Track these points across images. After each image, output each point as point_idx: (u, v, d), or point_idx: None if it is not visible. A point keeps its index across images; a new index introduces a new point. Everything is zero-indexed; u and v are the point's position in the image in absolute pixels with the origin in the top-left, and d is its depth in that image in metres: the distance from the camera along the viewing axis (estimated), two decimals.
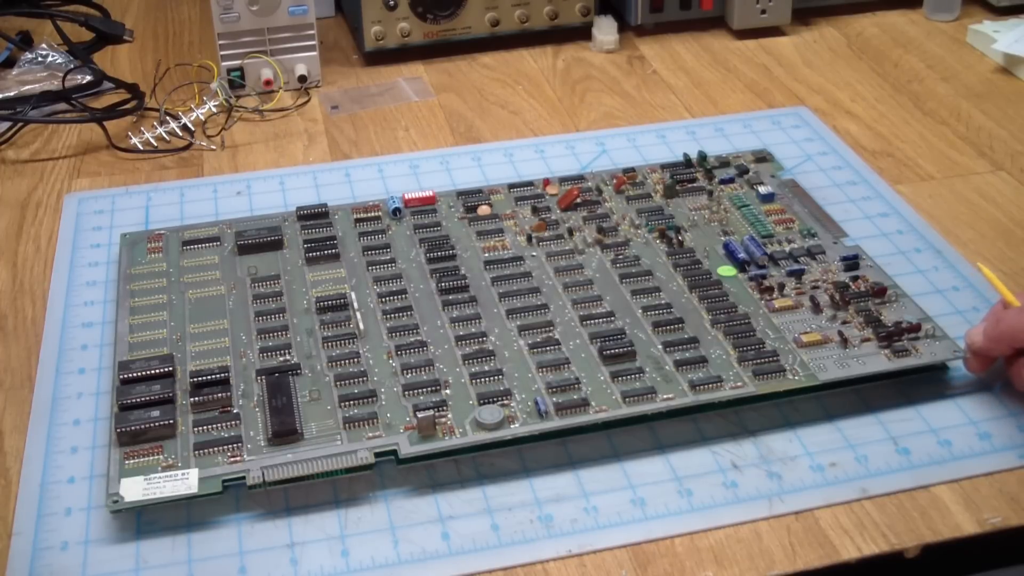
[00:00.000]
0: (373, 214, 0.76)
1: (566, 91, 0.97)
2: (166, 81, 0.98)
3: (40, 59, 0.99)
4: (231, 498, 0.57)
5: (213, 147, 0.89)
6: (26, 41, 1.03)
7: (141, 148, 0.88)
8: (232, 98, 0.94)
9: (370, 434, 0.59)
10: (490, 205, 0.77)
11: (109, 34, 1.04)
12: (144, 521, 0.57)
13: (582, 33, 1.04)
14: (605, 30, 1.02)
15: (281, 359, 0.64)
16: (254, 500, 0.57)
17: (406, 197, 0.77)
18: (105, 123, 0.90)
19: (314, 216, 0.76)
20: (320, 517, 0.57)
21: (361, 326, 0.66)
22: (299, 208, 0.77)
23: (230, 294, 0.70)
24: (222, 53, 0.94)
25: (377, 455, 0.58)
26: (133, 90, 0.93)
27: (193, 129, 0.90)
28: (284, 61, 0.95)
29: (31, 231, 0.79)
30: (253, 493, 0.57)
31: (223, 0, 0.91)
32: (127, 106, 0.92)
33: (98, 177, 0.85)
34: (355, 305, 0.68)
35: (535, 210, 0.77)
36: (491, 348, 0.64)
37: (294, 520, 0.56)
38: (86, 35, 1.04)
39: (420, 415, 0.59)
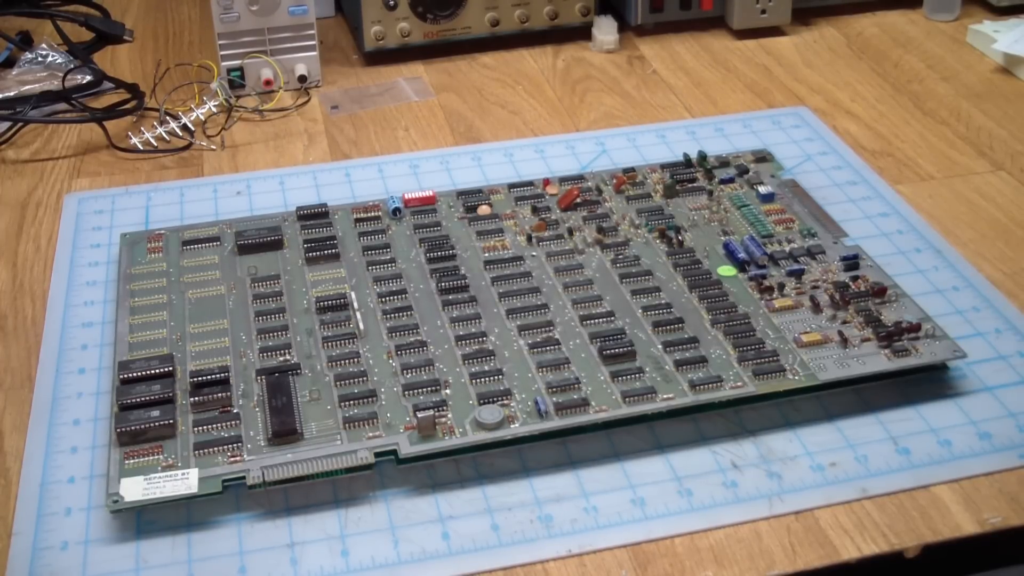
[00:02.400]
0: (373, 214, 0.76)
1: (566, 91, 0.97)
2: (166, 81, 0.98)
3: (40, 59, 0.99)
4: (231, 498, 0.57)
5: (213, 147, 0.89)
6: (26, 41, 1.03)
7: (141, 148, 0.88)
8: (232, 98, 0.94)
9: (370, 434, 0.59)
10: (490, 205, 0.77)
11: (109, 34, 1.03)
12: (144, 521, 0.57)
13: (582, 33, 1.04)
14: (605, 30, 1.02)
15: (281, 359, 0.64)
16: (254, 500, 0.57)
17: (406, 197, 0.77)
18: (105, 123, 0.90)
19: (314, 216, 0.76)
20: (320, 517, 0.57)
21: (361, 326, 0.66)
22: (299, 208, 0.76)
23: (230, 294, 0.70)
24: (222, 53, 0.94)
25: (377, 455, 0.58)
26: (133, 90, 0.93)
27: (193, 129, 0.90)
28: (284, 61, 0.95)
29: (31, 231, 0.79)
30: (253, 493, 0.57)
31: (223, 0, 0.91)
32: (127, 106, 0.92)
33: (98, 177, 0.85)
34: (355, 305, 0.68)
35: (535, 210, 0.77)
36: (491, 348, 0.64)
37: (294, 520, 0.56)
38: (86, 35, 1.04)
39: (420, 415, 0.59)
